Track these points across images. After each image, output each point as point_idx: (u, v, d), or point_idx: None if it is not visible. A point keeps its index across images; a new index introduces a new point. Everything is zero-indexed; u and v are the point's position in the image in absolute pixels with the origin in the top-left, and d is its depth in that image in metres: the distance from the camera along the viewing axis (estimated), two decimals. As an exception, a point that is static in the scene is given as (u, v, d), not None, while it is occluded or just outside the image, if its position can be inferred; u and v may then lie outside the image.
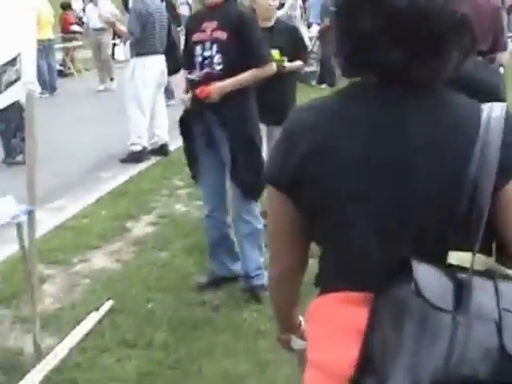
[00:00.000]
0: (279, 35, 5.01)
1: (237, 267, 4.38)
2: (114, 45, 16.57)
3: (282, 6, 11.49)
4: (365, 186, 1.37)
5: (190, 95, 3.99)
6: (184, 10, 13.03)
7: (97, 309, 4.06)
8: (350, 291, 1.40)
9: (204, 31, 3.92)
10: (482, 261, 1.29)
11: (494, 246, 1.41)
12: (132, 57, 8.00)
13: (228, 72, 3.85)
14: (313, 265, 1.57)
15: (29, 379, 3.34)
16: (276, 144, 1.49)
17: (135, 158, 7.90)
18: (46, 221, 5.53)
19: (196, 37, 3.95)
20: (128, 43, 8.17)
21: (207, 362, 3.54)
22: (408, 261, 1.25)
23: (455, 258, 1.29)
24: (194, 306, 4.15)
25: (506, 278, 1.29)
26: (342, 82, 1.56)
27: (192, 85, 3.99)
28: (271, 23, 5.07)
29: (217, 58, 3.86)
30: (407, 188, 1.35)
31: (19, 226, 3.38)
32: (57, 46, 14.79)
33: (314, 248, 1.55)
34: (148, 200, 6.44)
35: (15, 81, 3.05)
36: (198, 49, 3.92)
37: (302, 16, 14.73)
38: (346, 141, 1.37)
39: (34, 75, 3.24)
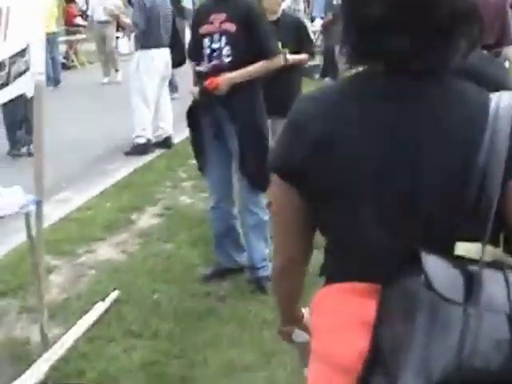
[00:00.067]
0: (285, 28, 5.01)
1: (242, 258, 4.40)
2: (117, 38, 16.53)
3: (283, -1, 11.46)
4: (372, 175, 1.36)
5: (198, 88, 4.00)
6: (187, 3, 12.97)
7: (103, 299, 4.09)
8: (356, 281, 1.39)
9: (212, 23, 3.93)
10: (490, 251, 1.27)
11: (501, 236, 1.39)
12: (136, 49, 8.00)
13: (237, 64, 3.87)
14: (317, 255, 1.57)
15: (35, 368, 3.36)
16: (281, 133, 1.48)
17: (140, 150, 7.90)
18: (51, 212, 5.54)
19: (204, 29, 3.96)
20: (132, 36, 8.16)
21: (212, 352, 3.55)
22: (416, 252, 1.24)
23: (462, 248, 1.28)
24: (200, 297, 4.17)
25: None
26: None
27: (200, 77, 4.00)
28: (277, 16, 5.08)
29: (226, 50, 3.88)
30: (416, 176, 1.34)
31: (27, 215, 3.39)
32: (60, 38, 14.76)
33: (319, 238, 1.54)
34: (153, 192, 6.45)
35: (24, 72, 3.07)
36: (206, 41, 3.92)
37: (305, 10, 14.70)
38: (352, 130, 1.36)
39: (43, 66, 3.25)
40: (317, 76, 13.08)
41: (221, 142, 4.08)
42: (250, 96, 3.99)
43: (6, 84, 2.95)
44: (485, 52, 1.84)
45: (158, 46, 7.70)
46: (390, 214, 1.36)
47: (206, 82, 3.90)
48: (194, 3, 13.40)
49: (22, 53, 3.02)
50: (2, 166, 7.10)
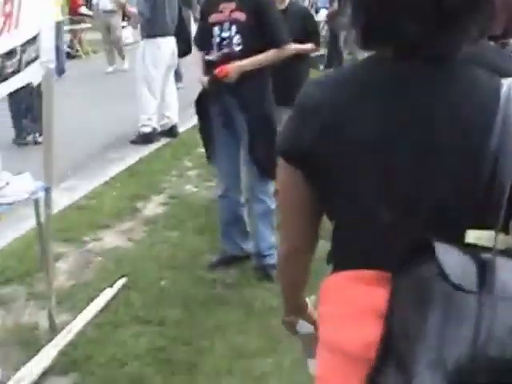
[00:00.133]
0: (292, 17, 5.01)
1: (248, 246, 4.43)
2: (123, 27, 16.49)
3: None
4: (381, 160, 1.35)
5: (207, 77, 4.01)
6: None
7: (110, 286, 4.12)
8: (364, 269, 1.37)
9: (222, 12, 3.93)
10: (501, 239, 1.24)
11: (511, 224, 1.34)
12: (142, 38, 7.99)
13: (247, 52, 3.88)
14: (324, 242, 1.56)
15: (44, 353, 3.39)
16: (289, 117, 1.47)
17: (145, 139, 7.91)
18: (58, 200, 5.55)
19: (213, 18, 3.97)
20: (138, 25, 8.13)
21: (219, 338, 3.59)
22: (426, 239, 1.22)
23: (473, 236, 1.26)
24: (206, 284, 4.20)
25: None
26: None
27: (209, 66, 4.01)
28: (285, 5, 5.08)
29: (236, 39, 3.89)
30: (427, 160, 1.32)
31: (37, 202, 3.41)
32: (65, 27, 14.73)
33: (327, 227, 1.53)
34: (158, 180, 6.47)
35: (34, 59, 3.08)
36: (216, 29, 3.93)
37: (309, 1, 14.67)
38: (361, 114, 1.35)
39: (53, 54, 3.26)
40: (321, 67, 13.06)
41: (229, 131, 4.10)
42: (259, 84, 4.00)
43: (17, 71, 2.95)
44: (492, 43, 1.83)
45: (164, 34, 7.67)
46: (400, 199, 1.34)
47: (216, 70, 3.91)
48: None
49: (33, 40, 3.03)
50: (8, 154, 7.10)
